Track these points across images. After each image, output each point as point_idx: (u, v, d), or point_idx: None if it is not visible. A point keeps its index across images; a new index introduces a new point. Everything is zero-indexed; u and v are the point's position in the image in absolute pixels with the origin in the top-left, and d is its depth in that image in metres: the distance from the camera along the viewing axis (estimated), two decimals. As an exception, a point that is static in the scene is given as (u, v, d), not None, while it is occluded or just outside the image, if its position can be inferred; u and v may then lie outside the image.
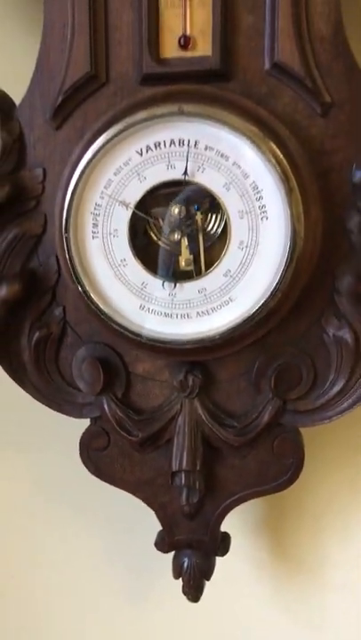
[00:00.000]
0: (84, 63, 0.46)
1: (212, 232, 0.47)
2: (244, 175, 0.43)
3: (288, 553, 0.67)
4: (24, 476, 0.70)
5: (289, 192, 0.42)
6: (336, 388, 0.49)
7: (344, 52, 0.44)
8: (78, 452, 0.55)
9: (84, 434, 0.54)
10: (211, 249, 0.47)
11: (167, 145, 0.44)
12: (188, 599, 0.56)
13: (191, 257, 0.47)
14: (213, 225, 0.47)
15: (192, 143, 0.43)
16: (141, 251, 0.47)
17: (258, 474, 0.52)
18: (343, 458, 0.62)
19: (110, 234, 0.46)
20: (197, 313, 0.46)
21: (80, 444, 0.54)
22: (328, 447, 0.61)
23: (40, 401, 0.53)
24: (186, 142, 0.43)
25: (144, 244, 0.47)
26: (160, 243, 0.48)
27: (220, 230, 0.47)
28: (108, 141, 0.43)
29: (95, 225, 0.46)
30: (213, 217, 0.47)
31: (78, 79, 0.47)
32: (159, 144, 0.44)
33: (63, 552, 0.71)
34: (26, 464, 0.70)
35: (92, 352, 0.52)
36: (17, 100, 0.51)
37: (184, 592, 0.56)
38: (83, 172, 0.44)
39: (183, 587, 0.56)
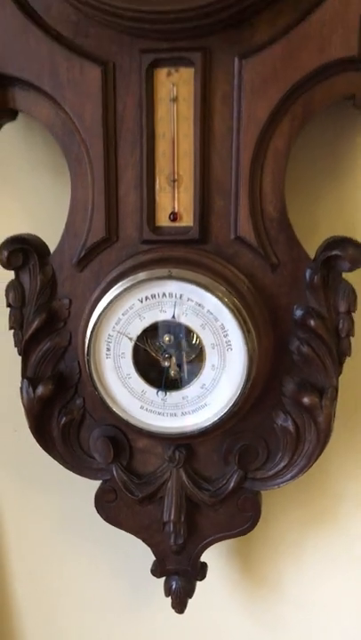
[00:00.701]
0: (100, 230, 0.62)
1: (195, 347, 0.64)
2: (215, 319, 0.59)
3: (253, 574, 0.83)
4: (48, 514, 0.85)
5: (246, 332, 0.59)
6: (283, 463, 0.65)
7: (286, 228, 0.60)
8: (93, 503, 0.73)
9: (98, 490, 0.70)
10: (193, 362, 0.64)
11: (160, 296, 0.60)
12: (176, 612, 0.73)
13: (178, 369, 0.64)
14: (194, 345, 0.64)
15: (178, 296, 0.59)
16: (142, 367, 0.63)
17: (227, 523, 0.68)
18: (295, 501, 0.79)
19: (119, 356, 0.62)
20: (182, 413, 0.62)
21: (95, 497, 0.70)
22: (285, 493, 0.78)
23: (66, 467, 0.69)
24: (174, 295, 0.59)
25: (144, 362, 0.64)
26: (157, 358, 0.65)
27: (198, 349, 0.63)
28: (118, 294, 0.59)
29: (108, 349, 0.62)
30: (194, 340, 0.64)
31: (96, 240, 0.63)
32: (155, 295, 0.60)
33: (80, 575, 0.87)
34: (50, 505, 0.84)
35: (104, 432, 0.68)
36: (50, 240, 0.68)
37: (172, 606, 0.72)
38: (100, 314, 0.60)
39: (172, 603, 0.72)
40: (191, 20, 0.53)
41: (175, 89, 0.58)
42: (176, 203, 0.61)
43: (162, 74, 0.58)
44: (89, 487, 0.70)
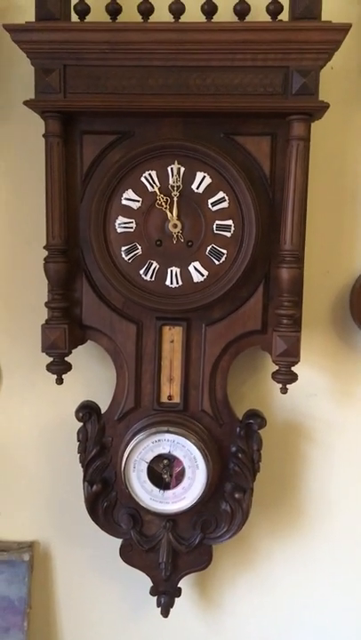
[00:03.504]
0: (131, 402, 1.10)
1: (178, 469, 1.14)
2: (190, 453, 1.08)
3: (207, 594, 1.27)
4: (89, 557, 1.26)
5: (207, 460, 1.08)
6: (224, 529, 1.12)
7: (227, 405, 1.10)
8: (118, 551, 1.19)
9: (121, 544, 1.14)
10: (179, 474, 1.14)
11: (162, 441, 1.08)
12: (163, 616, 1.16)
13: (170, 477, 1.13)
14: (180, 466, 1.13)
15: (172, 440, 1.08)
16: (152, 476, 1.11)
17: (193, 563, 1.13)
18: (231, 551, 1.27)
19: (140, 471, 1.10)
20: (172, 501, 1.09)
21: (120, 548, 1.14)
22: (225, 546, 1.26)
23: (103, 530, 1.13)
24: (169, 440, 1.09)
25: (153, 474, 1.12)
26: (160, 472, 1.13)
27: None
28: (140, 440, 1.08)
29: (134, 467, 1.10)
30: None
31: (129, 408, 1.13)
32: (159, 440, 1.08)
33: (106, 592, 1.28)
34: (91, 552, 1.26)
35: (127, 511, 1.14)
36: (99, 400, 1.17)
37: (161, 613, 1.16)
38: (131, 450, 1.09)
39: (161, 610, 1.16)
40: (181, 312, 1.06)
41: (173, 336, 1.10)
42: (171, 391, 1.11)
43: (166, 329, 1.09)
44: (115, 542, 1.17)
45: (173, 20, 0.96)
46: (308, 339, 1.16)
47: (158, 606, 1.17)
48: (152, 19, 0.97)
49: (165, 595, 1.16)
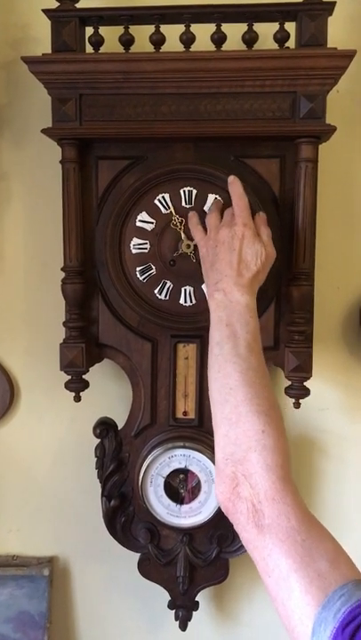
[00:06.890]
0: (147, 419, 1.12)
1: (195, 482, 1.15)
2: (206, 467, 1.09)
3: (223, 607, 1.29)
4: (109, 571, 1.27)
5: None
6: (240, 544, 1.15)
7: None
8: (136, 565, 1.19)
9: (139, 558, 1.14)
10: (195, 488, 1.15)
11: (178, 456, 1.10)
12: (181, 630, 1.18)
13: (185, 491, 1.14)
14: (194, 481, 1.15)
15: (188, 455, 1.10)
16: (168, 491, 1.13)
17: (210, 576, 1.14)
18: (246, 565, 1.28)
19: (157, 485, 1.11)
20: (188, 515, 1.11)
21: (138, 562, 1.14)
22: (241, 560, 1.27)
23: (122, 545, 1.14)
24: (185, 455, 1.11)
25: (169, 488, 1.13)
26: (176, 487, 1.15)
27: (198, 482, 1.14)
28: (157, 455, 1.10)
29: (151, 482, 1.11)
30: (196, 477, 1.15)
31: (145, 424, 1.14)
32: (175, 455, 1.10)
33: (126, 605, 1.28)
34: (111, 566, 1.27)
35: (144, 525, 1.15)
36: (116, 417, 1.19)
37: (179, 626, 1.17)
38: (148, 465, 1.10)
39: (179, 624, 1.17)
40: (195, 330, 1.08)
41: (187, 353, 1.11)
42: (186, 407, 1.12)
43: (180, 346, 1.10)
44: (133, 557, 1.18)
45: (184, 50, 0.99)
46: (320, 354, 1.17)
47: (176, 620, 1.17)
48: (163, 48, 1.00)
49: (183, 608, 1.17)
